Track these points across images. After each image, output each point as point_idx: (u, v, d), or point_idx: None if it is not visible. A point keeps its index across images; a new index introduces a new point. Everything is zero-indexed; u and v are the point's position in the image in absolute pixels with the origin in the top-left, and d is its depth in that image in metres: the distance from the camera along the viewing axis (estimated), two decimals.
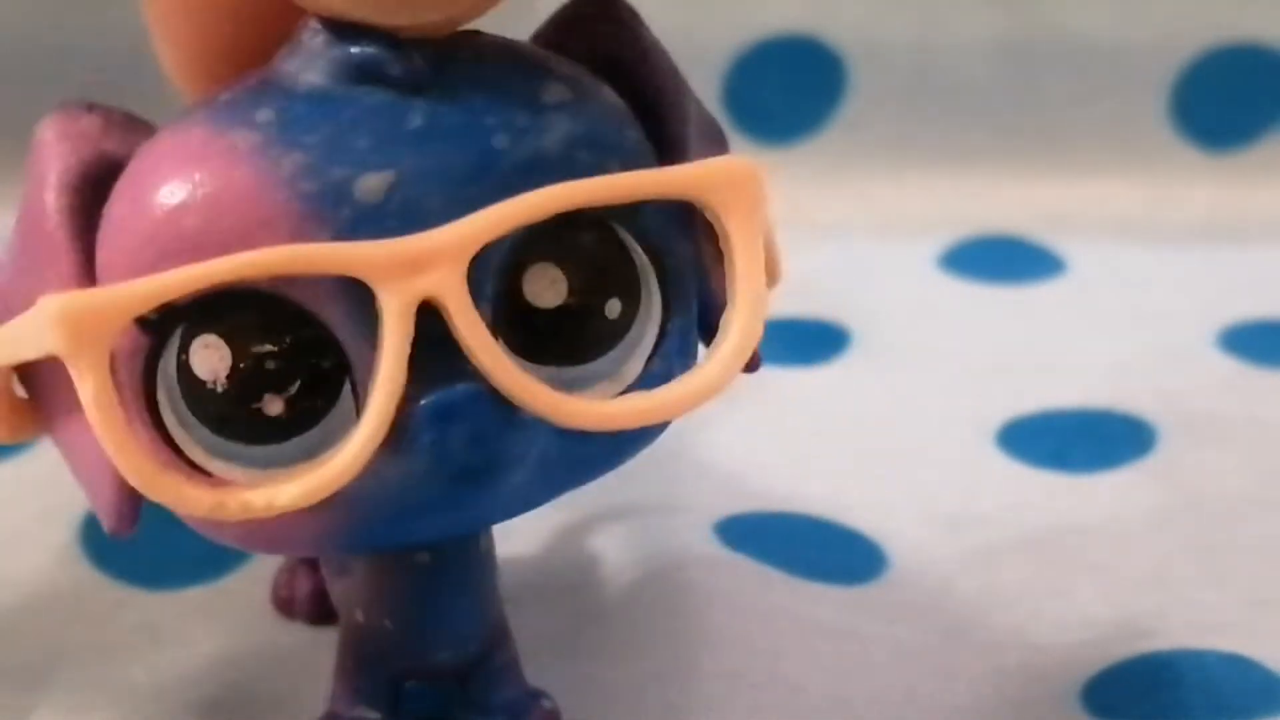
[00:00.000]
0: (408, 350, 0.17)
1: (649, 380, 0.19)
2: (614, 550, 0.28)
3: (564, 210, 0.18)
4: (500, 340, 0.18)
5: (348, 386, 0.18)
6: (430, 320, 0.17)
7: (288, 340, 0.18)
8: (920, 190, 0.45)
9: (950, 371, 0.36)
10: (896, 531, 0.29)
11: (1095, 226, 0.43)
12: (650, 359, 0.19)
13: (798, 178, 0.43)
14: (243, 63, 0.19)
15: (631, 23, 0.20)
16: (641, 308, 0.19)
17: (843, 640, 0.26)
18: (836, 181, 0.44)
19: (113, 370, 0.18)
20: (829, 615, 0.26)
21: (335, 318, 0.18)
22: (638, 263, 0.19)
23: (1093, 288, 0.40)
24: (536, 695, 0.23)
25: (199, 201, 0.17)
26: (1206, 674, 0.25)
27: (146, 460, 0.17)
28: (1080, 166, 0.45)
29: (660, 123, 0.20)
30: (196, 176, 0.17)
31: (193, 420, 0.18)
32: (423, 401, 0.17)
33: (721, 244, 0.19)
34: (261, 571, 0.27)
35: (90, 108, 0.19)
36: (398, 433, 0.17)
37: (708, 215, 0.19)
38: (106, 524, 0.19)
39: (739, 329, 0.19)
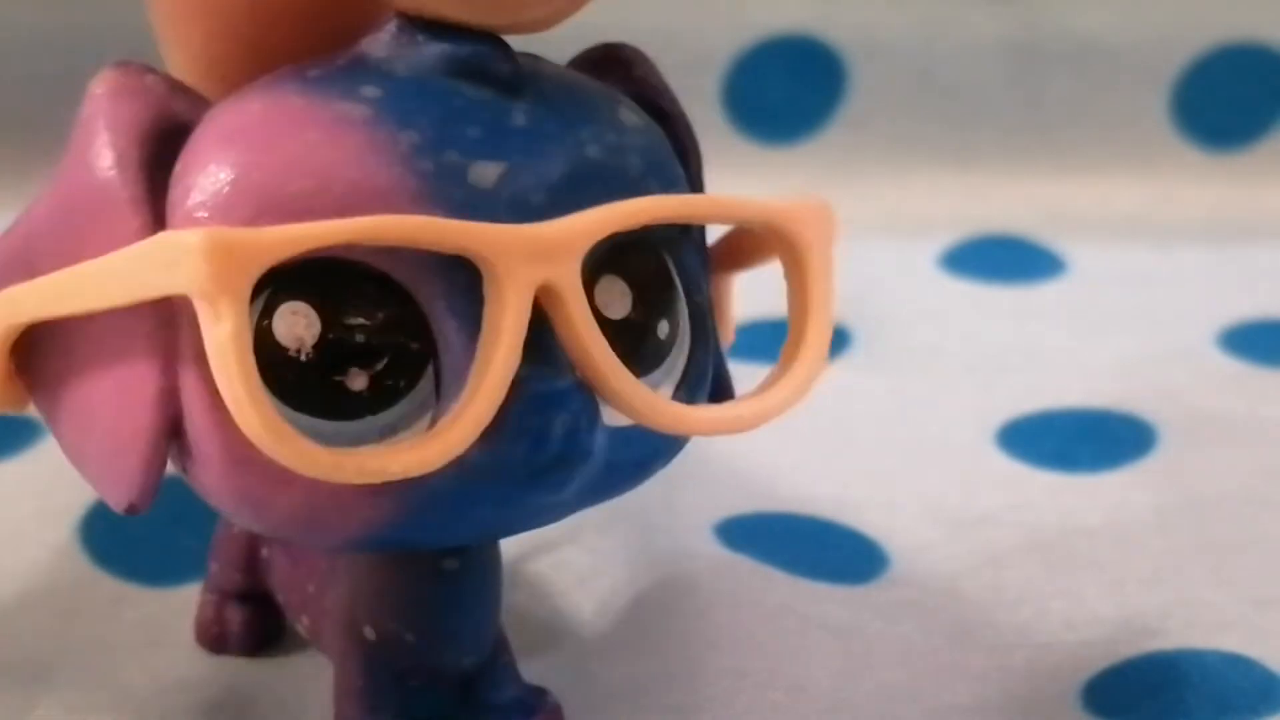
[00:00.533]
0: (523, 333, 0.17)
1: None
2: (615, 551, 0.28)
3: (668, 220, 0.19)
4: None
5: (430, 370, 0.18)
6: (532, 312, 0.17)
7: (380, 316, 0.17)
8: (921, 190, 0.45)
9: (952, 371, 0.36)
10: (898, 531, 0.29)
11: (1097, 226, 0.43)
12: (679, 387, 0.19)
13: (798, 177, 0.43)
14: (258, 65, 0.19)
15: (656, 72, 0.21)
16: (679, 335, 0.19)
17: (845, 639, 0.26)
18: (837, 181, 0.44)
19: (177, 328, 0.17)
20: (831, 614, 0.26)
21: (432, 298, 0.17)
22: (677, 293, 0.19)
23: (1094, 287, 0.40)
24: (539, 692, 0.23)
25: (312, 162, 0.17)
26: (1209, 674, 0.25)
27: (274, 412, 0.17)
28: (1082, 166, 0.45)
29: (684, 167, 0.20)
30: (307, 139, 0.17)
31: (262, 390, 0.17)
32: (532, 388, 0.17)
33: (793, 274, 0.20)
34: None
35: (150, 69, 0.19)
36: (499, 416, 0.17)
37: (783, 246, 0.19)
38: (123, 497, 0.18)
39: (812, 356, 0.20)
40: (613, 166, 0.18)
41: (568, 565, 0.28)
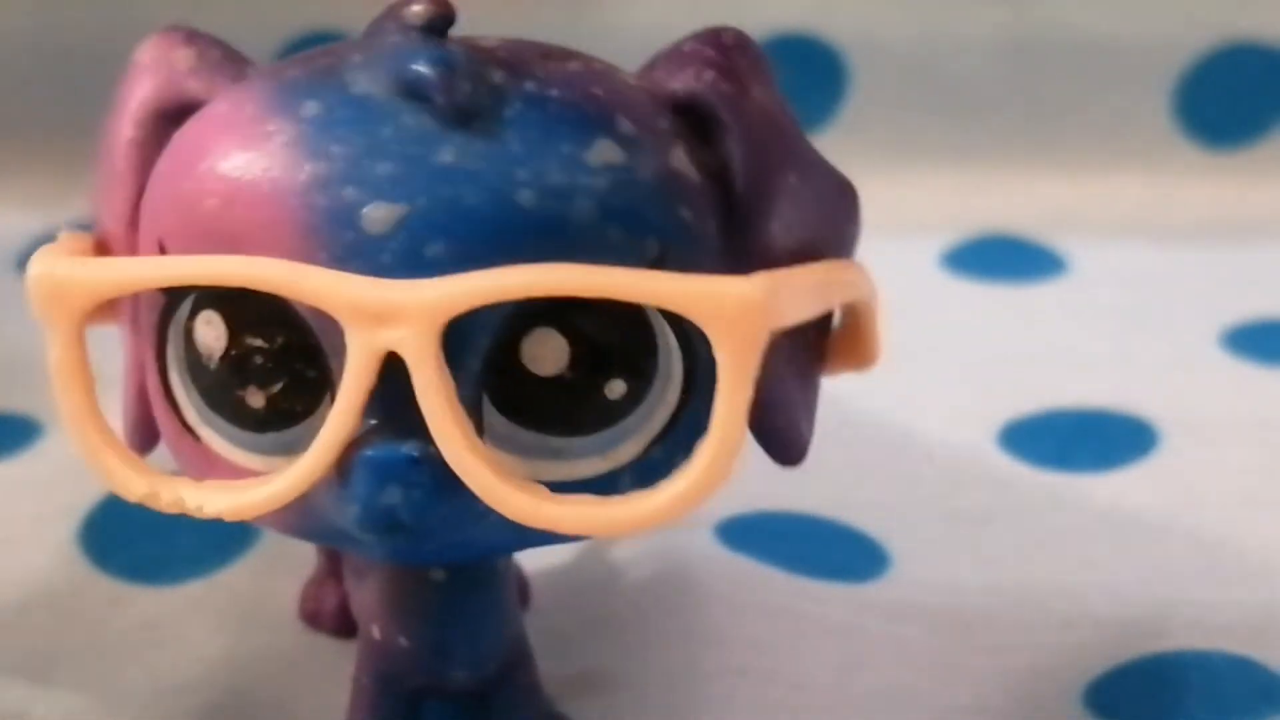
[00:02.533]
0: (363, 397, 0.17)
1: (646, 465, 0.18)
2: (615, 554, 0.28)
3: (547, 294, 0.17)
4: (488, 396, 0.17)
5: (328, 400, 0.17)
6: (402, 369, 0.17)
7: (280, 341, 0.17)
8: (922, 189, 0.44)
9: (952, 371, 0.36)
10: (899, 531, 0.29)
11: (1098, 225, 0.43)
12: (654, 443, 0.18)
13: None
14: None
15: (740, 76, 0.19)
16: (653, 391, 0.18)
17: (845, 639, 0.26)
18: None
19: (135, 310, 0.18)
20: (831, 614, 0.26)
21: (323, 333, 0.17)
22: (660, 346, 0.18)
23: (1095, 287, 0.40)
24: (557, 718, 0.23)
25: (221, 185, 0.17)
26: (1210, 675, 0.25)
27: (94, 435, 0.18)
28: (1083, 165, 0.45)
29: (738, 198, 0.18)
30: (228, 158, 0.17)
31: (190, 384, 0.18)
32: (366, 453, 0.17)
33: (717, 370, 0.17)
34: (259, 566, 0.27)
35: (190, 39, 0.19)
36: (340, 473, 0.17)
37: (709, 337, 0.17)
38: (127, 438, 0.19)
39: (702, 467, 0.17)
40: (549, 214, 0.17)
41: (568, 567, 0.28)
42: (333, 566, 0.26)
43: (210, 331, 0.18)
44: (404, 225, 0.17)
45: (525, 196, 0.17)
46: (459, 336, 0.17)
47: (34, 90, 0.44)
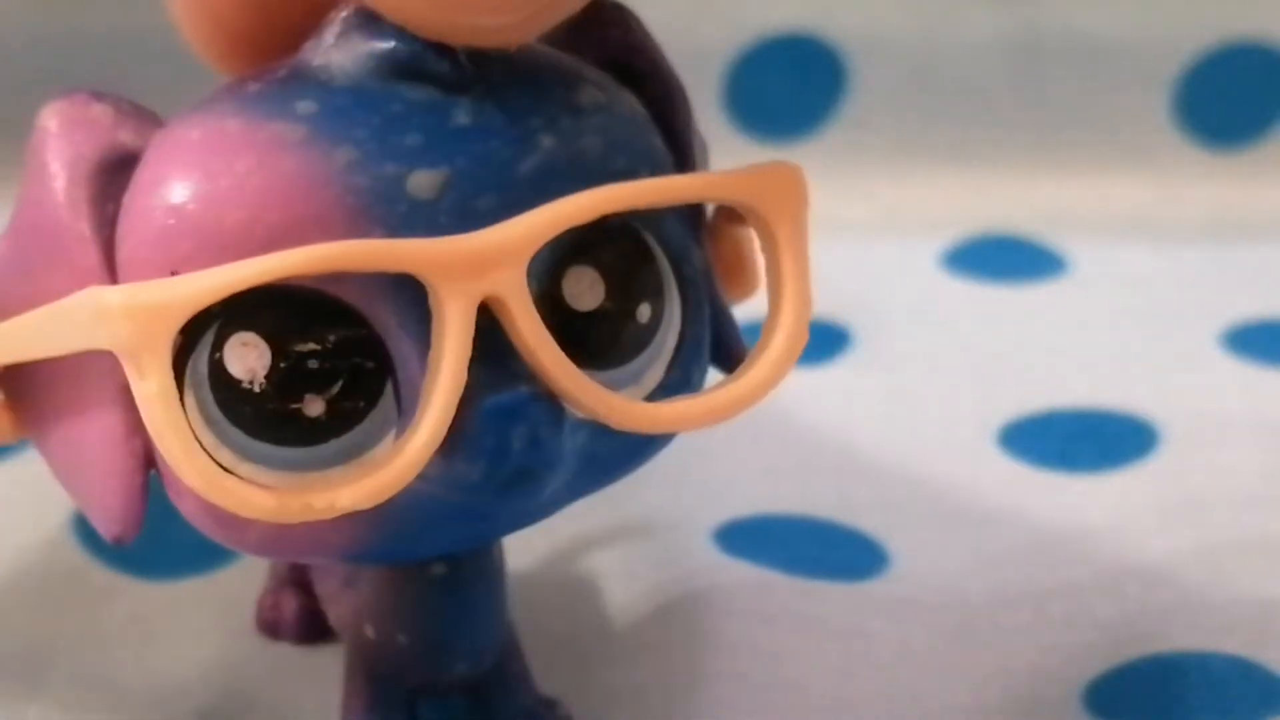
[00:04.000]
0: (469, 350, 0.17)
1: (670, 387, 0.19)
2: (615, 558, 0.28)
3: (619, 211, 0.18)
4: None
5: (389, 387, 0.17)
6: (486, 321, 0.17)
7: (331, 339, 0.17)
8: (922, 189, 0.44)
9: (952, 371, 0.36)
10: (898, 531, 0.29)
11: (1098, 225, 0.43)
12: (670, 366, 0.19)
13: None
14: (273, 44, 0.18)
15: (641, 32, 0.20)
16: (665, 314, 0.19)
17: (845, 640, 0.26)
18: (838, 181, 0.44)
19: (115, 371, 0.17)
20: (831, 615, 0.26)
21: (381, 316, 0.17)
22: (661, 269, 0.19)
23: (1096, 287, 0.40)
24: (550, 704, 0.23)
25: (244, 194, 0.17)
26: (1211, 675, 0.25)
27: (209, 463, 0.17)
28: (1083, 165, 0.45)
29: (669, 134, 0.20)
30: (239, 168, 0.17)
31: (224, 421, 0.17)
32: (485, 403, 0.17)
33: (765, 248, 0.19)
34: (256, 563, 0.27)
35: (98, 96, 0.18)
36: (454, 435, 0.17)
37: (752, 220, 0.19)
38: (110, 530, 0.18)
39: (786, 334, 0.19)
40: (569, 153, 0.18)
41: (568, 571, 0.28)
42: (293, 575, 0.25)
43: (250, 353, 0.17)
44: (449, 187, 0.17)
45: (545, 140, 0.18)
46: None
47: (34, 90, 0.44)
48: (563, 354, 0.17)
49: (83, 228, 0.18)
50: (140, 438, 0.18)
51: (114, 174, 0.18)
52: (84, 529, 0.28)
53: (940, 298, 0.40)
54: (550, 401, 0.17)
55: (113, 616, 0.26)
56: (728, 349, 0.20)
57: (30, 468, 0.30)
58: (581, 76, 0.19)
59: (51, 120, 0.18)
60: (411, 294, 0.17)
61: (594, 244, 0.18)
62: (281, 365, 0.17)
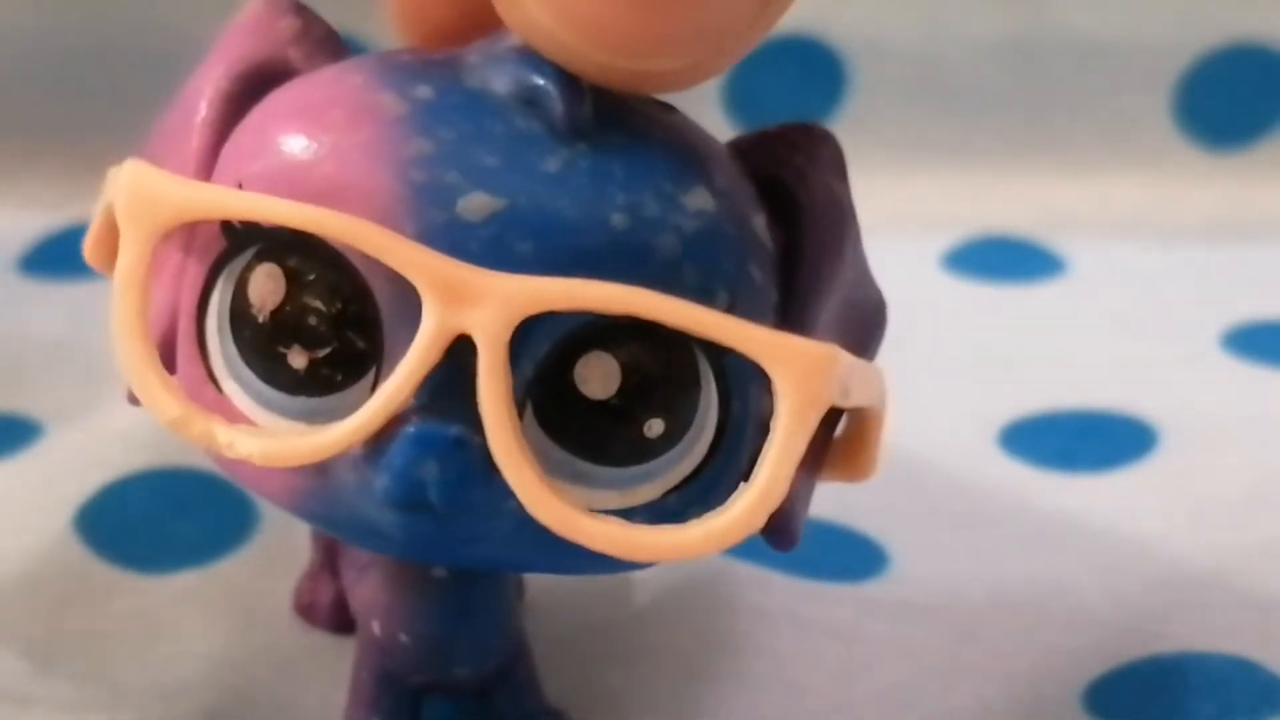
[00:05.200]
0: (424, 372, 0.17)
1: (657, 511, 0.18)
2: None
3: (628, 315, 0.17)
4: (531, 403, 0.17)
5: (372, 374, 0.18)
6: (465, 357, 0.17)
7: (337, 306, 0.17)
8: (922, 190, 0.44)
9: (953, 371, 0.36)
10: (899, 532, 0.29)
11: (1099, 226, 0.43)
12: (670, 491, 0.18)
13: None
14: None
15: (824, 162, 0.19)
16: (685, 440, 0.18)
17: (845, 641, 0.26)
18: None
19: (188, 248, 0.18)
20: (831, 615, 0.26)
21: (389, 305, 0.17)
22: (703, 396, 0.18)
23: (1096, 288, 0.40)
24: (557, 715, 0.23)
25: (319, 141, 0.17)
26: (1211, 676, 0.25)
27: (142, 351, 0.17)
28: (1084, 166, 0.45)
29: (796, 279, 0.19)
30: (330, 118, 0.17)
31: (229, 334, 0.18)
32: (409, 427, 0.17)
33: (772, 420, 0.17)
34: (256, 560, 0.27)
35: (299, 9, 0.19)
36: (380, 443, 0.17)
37: (771, 384, 0.17)
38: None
39: (743, 510, 0.17)
40: (635, 242, 0.17)
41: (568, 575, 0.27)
42: (328, 560, 0.26)
43: (269, 284, 0.17)
44: (498, 219, 0.17)
45: (618, 220, 0.17)
46: (523, 338, 0.17)
47: (35, 91, 0.44)
48: (506, 412, 0.17)
49: (207, 117, 0.19)
50: (181, 314, 0.19)
51: (264, 84, 0.19)
52: (85, 526, 0.28)
53: (941, 298, 0.40)
54: (483, 455, 0.17)
55: (114, 613, 0.26)
56: (785, 523, 0.19)
57: (31, 466, 0.31)
58: (704, 175, 0.18)
59: (247, 15, 0.19)
60: (417, 301, 0.17)
61: (633, 339, 0.17)
62: (287, 307, 0.17)
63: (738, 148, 0.20)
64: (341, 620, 0.25)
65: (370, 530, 0.18)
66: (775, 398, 0.17)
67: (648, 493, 0.18)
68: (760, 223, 0.19)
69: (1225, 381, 0.35)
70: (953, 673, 0.25)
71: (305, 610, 0.26)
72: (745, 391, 0.18)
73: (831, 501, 0.30)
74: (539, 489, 0.17)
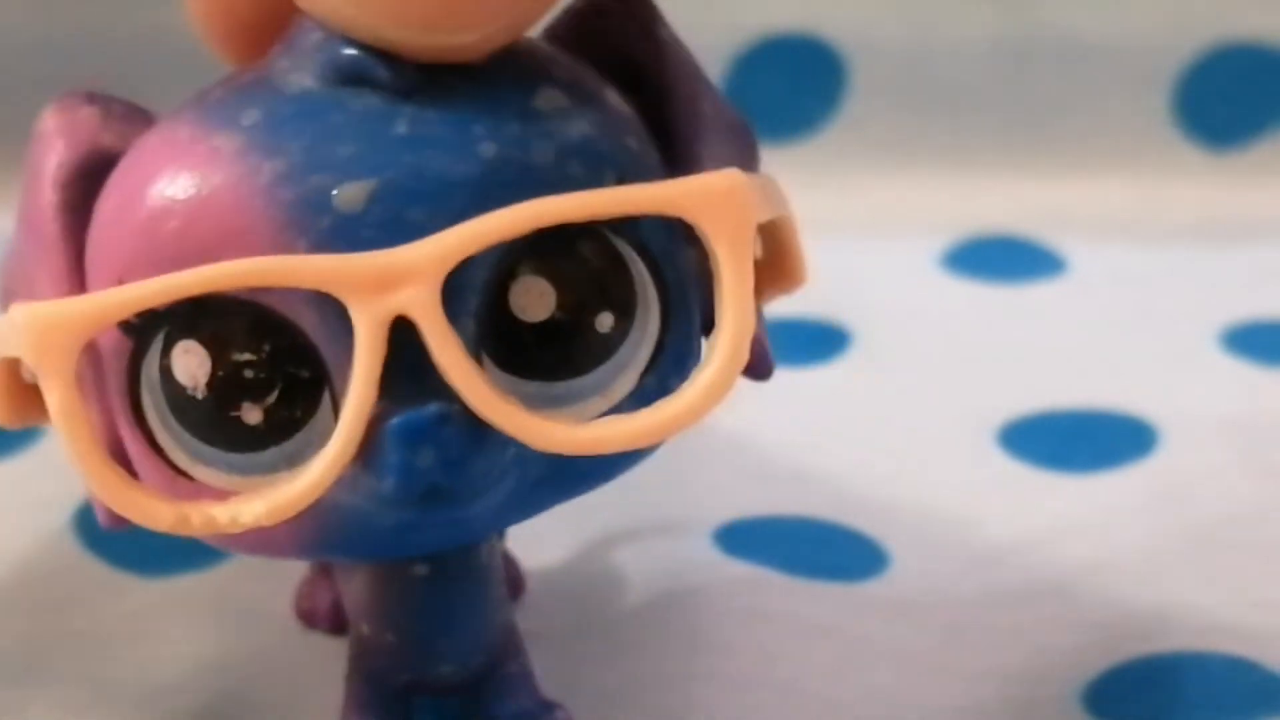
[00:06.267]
0: (379, 369, 0.17)
1: (642, 396, 0.18)
2: (615, 558, 0.28)
3: (542, 226, 0.17)
4: (486, 354, 0.18)
5: (327, 398, 0.18)
6: (406, 336, 0.17)
7: (266, 349, 0.17)
8: (920, 189, 0.44)
9: (951, 371, 0.36)
10: (897, 531, 0.29)
11: (1096, 226, 0.43)
12: (645, 374, 0.18)
13: (797, 177, 0.43)
14: (272, 32, 0.19)
15: (647, 20, 0.20)
16: (637, 321, 0.18)
17: (841, 640, 0.26)
18: (836, 181, 0.44)
19: (96, 367, 0.18)
20: (827, 615, 0.26)
21: (313, 328, 0.17)
22: (635, 275, 0.18)
23: (1093, 287, 0.40)
24: (550, 707, 0.23)
25: (179, 206, 0.17)
26: (1208, 675, 0.25)
27: (110, 474, 0.17)
28: (1081, 165, 0.45)
29: (672, 129, 0.19)
30: (178, 180, 0.17)
31: (175, 424, 0.18)
32: (392, 421, 0.17)
33: (711, 264, 0.18)
34: (255, 562, 0.27)
35: (90, 98, 0.19)
36: (368, 451, 0.17)
37: (696, 233, 0.18)
38: (101, 519, 0.19)
39: (723, 355, 0.18)
40: (513, 161, 0.17)
41: (564, 571, 0.28)
42: (325, 565, 0.26)
43: (191, 360, 0.17)
44: (377, 198, 0.17)
45: (486, 149, 0.17)
46: (452, 296, 0.17)
47: (34, 91, 0.44)
48: (473, 372, 0.17)
49: (56, 230, 0.18)
50: (112, 427, 0.18)
51: (95, 178, 0.18)
52: (84, 527, 0.28)
53: (939, 298, 0.40)
54: (471, 419, 0.17)
55: (113, 614, 0.26)
56: (758, 349, 0.19)
57: (31, 466, 0.31)
58: (545, 76, 0.18)
59: (46, 122, 0.19)
60: (337, 308, 0.17)
61: (549, 252, 0.18)
62: (220, 373, 0.17)
63: (554, 36, 0.20)
64: (341, 624, 0.25)
65: (386, 541, 0.18)
66: (708, 239, 0.17)
67: (626, 384, 0.18)
68: (613, 95, 0.19)
69: (1223, 381, 0.35)
70: (950, 672, 0.25)
71: (306, 614, 0.26)
72: (670, 253, 0.18)
73: (830, 502, 0.30)
74: (537, 425, 0.17)
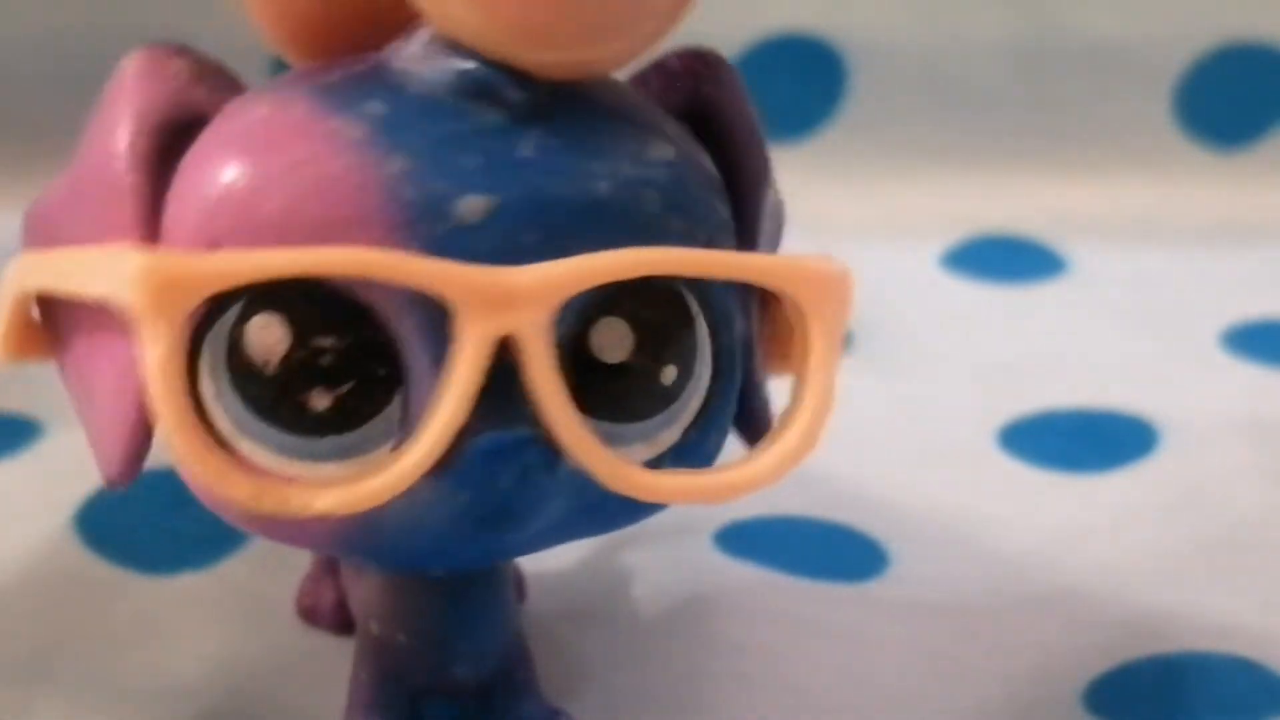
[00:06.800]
0: (477, 384, 0.17)
1: (684, 450, 0.19)
2: (618, 560, 0.28)
3: (657, 274, 0.17)
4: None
5: (398, 399, 0.17)
6: (503, 355, 0.17)
7: (350, 339, 0.17)
8: (923, 189, 0.44)
9: (953, 371, 0.36)
10: (899, 532, 0.29)
11: (1100, 226, 0.43)
12: (689, 428, 0.19)
13: (799, 177, 0.43)
14: (337, 33, 0.18)
15: (733, 88, 0.20)
16: (694, 377, 0.19)
17: (845, 641, 0.26)
18: (838, 181, 0.44)
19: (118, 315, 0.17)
20: (831, 615, 0.26)
21: (405, 329, 0.17)
22: (698, 332, 0.19)
23: (1097, 287, 0.40)
24: (555, 713, 0.23)
25: (291, 182, 0.17)
26: (1211, 676, 0.25)
27: (199, 437, 0.17)
28: (1085, 166, 0.45)
29: (737, 199, 0.19)
30: (294, 155, 0.17)
31: (232, 393, 0.17)
32: (480, 439, 0.17)
33: (798, 339, 0.18)
34: (257, 559, 0.27)
35: (180, 51, 0.18)
36: (447, 462, 0.17)
37: (790, 307, 0.18)
38: (105, 471, 0.19)
39: (800, 431, 0.18)
40: (624, 204, 0.18)
41: (568, 574, 0.28)
42: (330, 562, 0.26)
43: (269, 335, 0.17)
44: (496, 215, 0.17)
45: (603, 187, 0.17)
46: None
47: (34, 91, 0.44)
48: (571, 406, 0.17)
49: (137, 181, 0.18)
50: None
51: (179, 132, 0.18)
52: (86, 526, 0.28)
53: (941, 298, 0.40)
54: (548, 444, 0.17)
55: (116, 613, 0.26)
56: (753, 420, 0.20)
57: (31, 466, 0.31)
58: (657, 128, 0.19)
59: (131, 68, 0.18)
60: (437, 314, 0.17)
61: (633, 297, 0.18)
62: (297, 354, 0.17)
63: (644, 83, 0.20)
64: (344, 621, 0.25)
65: (424, 551, 0.18)
66: (804, 318, 0.18)
67: (671, 435, 0.19)
68: (707, 159, 0.19)
69: (1226, 381, 0.35)
70: (952, 673, 0.25)
71: (307, 611, 0.26)
72: (730, 319, 0.19)
73: (832, 502, 0.30)
74: (614, 464, 0.18)
